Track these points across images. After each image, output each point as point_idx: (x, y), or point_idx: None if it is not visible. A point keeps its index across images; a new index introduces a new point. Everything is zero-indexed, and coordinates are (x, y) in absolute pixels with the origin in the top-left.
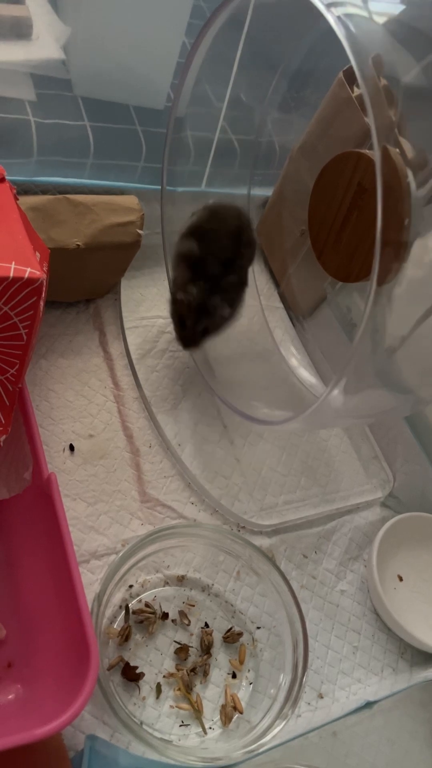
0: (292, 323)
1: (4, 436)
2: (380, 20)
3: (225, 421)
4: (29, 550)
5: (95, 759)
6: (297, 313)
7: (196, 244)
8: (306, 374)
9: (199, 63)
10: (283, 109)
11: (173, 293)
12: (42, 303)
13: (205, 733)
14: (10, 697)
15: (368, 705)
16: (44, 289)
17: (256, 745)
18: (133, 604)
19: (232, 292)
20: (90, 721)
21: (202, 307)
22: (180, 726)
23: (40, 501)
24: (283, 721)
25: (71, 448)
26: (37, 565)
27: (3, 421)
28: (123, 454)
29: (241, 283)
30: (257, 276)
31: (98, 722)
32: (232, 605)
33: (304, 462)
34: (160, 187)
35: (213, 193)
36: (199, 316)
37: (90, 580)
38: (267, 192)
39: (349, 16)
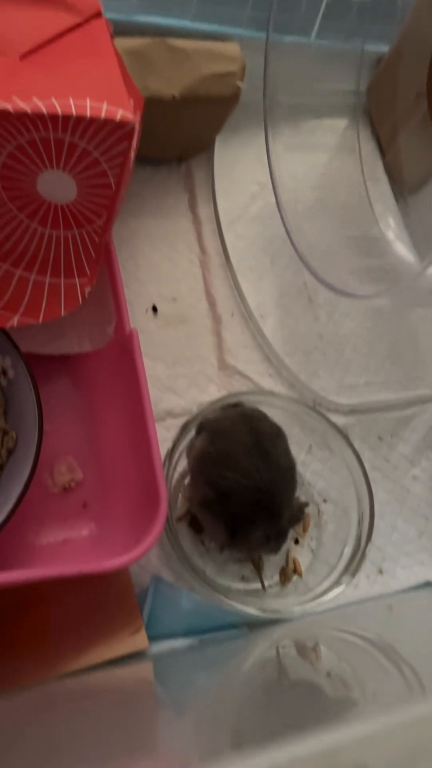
0: (395, 197)
1: (88, 288)
2: None
3: (311, 295)
4: (109, 402)
5: (159, 598)
6: (401, 186)
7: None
8: (403, 249)
9: None
10: None
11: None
12: (133, 152)
13: (264, 589)
14: (84, 533)
15: (428, 585)
16: (136, 135)
17: (313, 603)
18: None
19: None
20: (157, 564)
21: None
22: (241, 580)
23: (122, 356)
24: (342, 586)
25: (154, 309)
26: (116, 417)
27: (89, 273)
28: (204, 321)
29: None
30: (362, 143)
31: (164, 567)
32: (301, 476)
33: (390, 345)
34: (265, 35)
35: (322, 46)
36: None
37: (164, 437)
38: (383, 48)
39: None
